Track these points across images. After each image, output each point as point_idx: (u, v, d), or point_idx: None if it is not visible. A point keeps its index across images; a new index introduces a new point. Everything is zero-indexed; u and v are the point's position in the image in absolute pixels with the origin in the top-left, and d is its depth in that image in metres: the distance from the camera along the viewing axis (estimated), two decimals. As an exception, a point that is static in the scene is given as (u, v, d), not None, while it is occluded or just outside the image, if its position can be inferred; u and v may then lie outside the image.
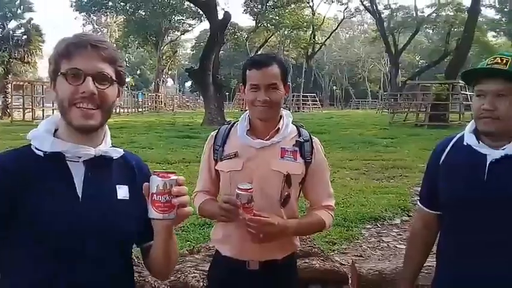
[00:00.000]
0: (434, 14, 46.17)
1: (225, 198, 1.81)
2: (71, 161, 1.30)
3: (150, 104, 42.54)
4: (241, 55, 53.70)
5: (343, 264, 3.64)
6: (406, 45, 43.65)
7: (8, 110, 25.85)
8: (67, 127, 1.30)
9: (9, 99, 26.39)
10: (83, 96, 1.25)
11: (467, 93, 19.19)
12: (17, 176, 1.25)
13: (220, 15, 21.78)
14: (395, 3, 50.27)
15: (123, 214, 1.32)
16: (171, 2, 45.02)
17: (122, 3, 44.74)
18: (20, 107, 25.31)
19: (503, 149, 1.60)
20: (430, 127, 19.15)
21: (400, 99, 31.89)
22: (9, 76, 27.94)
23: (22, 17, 32.46)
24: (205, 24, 52.27)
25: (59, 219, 1.24)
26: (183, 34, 57.18)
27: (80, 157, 1.31)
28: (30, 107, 24.31)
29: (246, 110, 2.05)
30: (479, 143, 1.66)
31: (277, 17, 45.60)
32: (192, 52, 73.73)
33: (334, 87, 75.05)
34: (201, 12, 31.86)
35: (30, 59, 29.09)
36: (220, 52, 25.28)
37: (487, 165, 1.61)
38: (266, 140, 1.93)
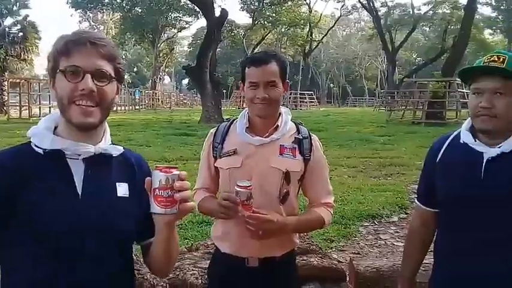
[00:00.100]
0: (431, 12, 46.20)
1: (224, 195, 1.82)
2: (70, 158, 1.30)
3: (147, 101, 42.40)
4: (238, 52, 53.67)
5: (341, 262, 3.66)
6: (403, 42, 43.64)
7: (5, 108, 25.72)
8: (67, 125, 1.30)
9: (6, 97, 26.27)
10: (82, 93, 1.24)
11: (464, 90, 19.21)
12: (16, 174, 1.25)
13: (217, 13, 21.72)
14: (392, 1, 50.10)
15: (123, 212, 1.32)
16: (168, -1, 44.92)
17: (118, 0, 44.61)
18: (17, 104, 25.19)
19: (499, 147, 1.61)
20: (427, 125, 19.19)
21: (397, 96, 31.94)
22: (6, 73, 27.78)
23: (18, 13, 32.31)
24: (202, 22, 52.33)
25: (59, 218, 1.23)
26: (180, 31, 57.09)
27: (79, 155, 1.30)
28: (27, 104, 24.20)
29: (244, 108, 2.05)
30: (475, 141, 1.66)
31: (274, 14, 45.53)
32: (189, 49, 73.58)
33: (331, 84, 75.09)
34: (198, 10, 31.78)
35: (26, 56, 28.92)
36: (217, 49, 25.29)
37: (484, 163, 1.62)
38: (265, 137, 1.93)
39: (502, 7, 53.74)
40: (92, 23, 61.76)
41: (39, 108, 25.08)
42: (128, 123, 19.44)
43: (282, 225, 1.85)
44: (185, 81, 79.71)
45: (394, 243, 4.74)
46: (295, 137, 1.97)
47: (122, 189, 1.35)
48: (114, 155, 1.37)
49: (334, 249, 4.48)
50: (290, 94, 38.88)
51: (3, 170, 1.25)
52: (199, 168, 2.10)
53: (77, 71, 1.24)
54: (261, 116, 1.93)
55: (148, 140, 13.17)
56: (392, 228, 5.27)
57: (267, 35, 50.85)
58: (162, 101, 45.71)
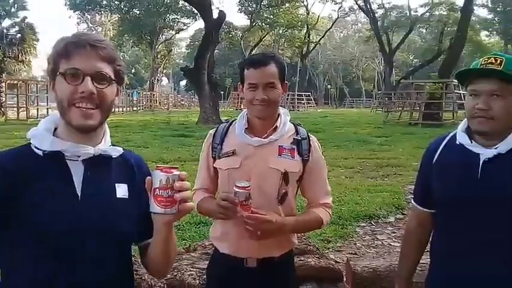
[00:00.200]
0: (427, 14, 46.33)
1: (223, 196, 1.83)
2: (70, 159, 1.30)
3: (144, 102, 42.32)
4: (236, 54, 53.65)
5: (338, 262, 3.67)
6: (399, 44, 43.74)
7: (2, 109, 25.67)
8: (66, 126, 1.31)
9: (4, 98, 26.22)
10: (82, 96, 1.25)
11: (460, 92, 19.25)
12: (16, 175, 1.25)
13: (215, 14, 21.71)
14: (389, 3, 50.47)
15: (122, 213, 1.33)
16: (166, 1, 44.88)
17: (116, 2, 44.58)
18: (14, 106, 25.16)
19: (495, 148, 1.62)
20: (423, 126, 19.21)
21: (394, 98, 31.95)
22: (3, 75, 27.71)
23: (16, 15, 32.28)
24: (200, 23, 52.29)
25: (59, 219, 1.24)
26: (178, 33, 57.01)
27: (79, 156, 1.31)
28: (25, 106, 24.15)
29: (241, 109, 2.07)
30: (471, 142, 1.67)
31: (271, 16, 45.54)
32: (187, 51, 73.52)
33: (329, 86, 75.09)
34: (196, 11, 31.75)
35: (24, 58, 28.88)
36: (215, 51, 25.25)
37: (480, 164, 1.63)
38: (264, 138, 1.94)
39: (498, 9, 53.90)
40: (90, 25, 61.74)
41: (37, 109, 25.01)
42: (125, 124, 19.39)
43: (280, 225, 1.86)
44: (183, 82, 79.68)
45: (391, 243, 4.75)
46: (293, 138, 1.98)
47: (121, 191, 1.36)
48: (113, 156, 1.38)
49: (331, 249, 4.49)
50: (288, 95, 38.81)
51: (3, 172, 1.25)
52: (199, 169, 2.11)
53: (76, 74, 1.25)
54: (260, 117, 1.94)
55: (146, 141, 13.15)
56: (389, 228, 5.29)
57: (264, 36, 50.85)
58: (159, 102, 45.64)
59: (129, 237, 1.39)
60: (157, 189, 1.22)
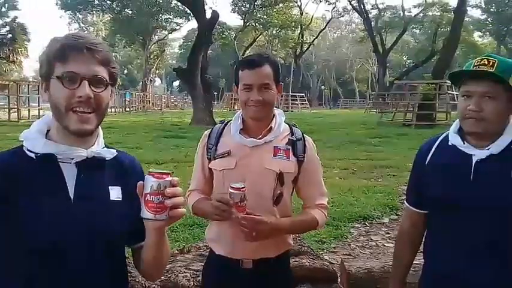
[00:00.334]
0: (421, 14, 46.71)
1: (218, 197, 1.82)
2: (63, 162, 1.29)
3: (137, 103, 42.23)
4: (229, 54, 53.64)
5: (333, 263, 3.67)
6: (393, 45, 44.01)
7: (-7, 110, 25.56)
8: (60, 129, 1.30)
9: (-5, 99, 26.11)
10: (80, 100, 1.24)
11: (454, 92, 19.37)
12: (9, 177, 1.24)
13: (208, 15, 21.71)
14: (382, 3, 50.68)
15: (116, 216, 1.32)
16: (158, 0, 44.84)
17: (108, 2, 44.48)
18: (6, 107, 25.01)
19: (488, 149, 1.62)
20: (417, 127, 19.31)
21: (388, 98, 32.14)
22: (-6, 75, 27.57)
23: (7, 15, 32.17)
24: (193, 23, 52.30)
25: (51, 222, 1.23)
26: (171, 33, 57.02)
27: (72, 158, 1.30)
28: (16, 107, 24.02)
29: (235, 110, 2.06)
30: (464, 143, 1.67)
31: (265, 16, 45.64)
32: (180, 51, 73.55)
33: (323, 86, 75.34)
34: (189, 12, 31.74)
35: (15, 58, 28.76)
36: (209, 51, 25.23)
37: (473, 165, 1.63)
38: (259, 138, 1.94)
39: (491, 10, 54.42)
40: (82, 25, 61.56)
41: (28, 110, 24.90)
42: (118, 125, 19.33)
43: (275, 226, 1.86)
44: (176, 83, 79.71)
45: (385, 244, 4.76)
46: (288, 139, 1.97)
47: (115, 193, 1.35)
48: (107, 159, 1.37)
49: (325, 250, 4.50)
50: (282, 96, 38.80)
51: None
52: (193, 170, 2.11)
53: (74, 78, 1.23)
54: (255, 118, 1.94)
55: (139, 143, 13.11)
56: (383, 229, 5.30)
57: (258, 37, 50.96)
58: (152, 103, 45.60)
59: (122, 239, 1.37)
60: (148, 195, 1.20)
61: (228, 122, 2.05)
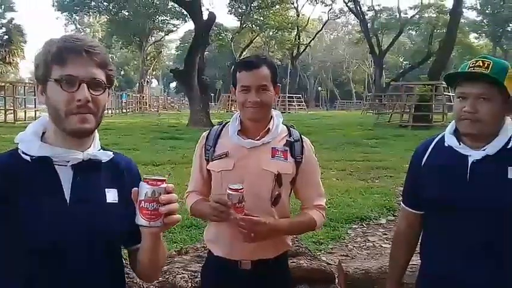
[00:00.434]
0: (417, 16, 46.81)
1: (216, 198, 1.83)
2: (58, 165, 1.29)
3: (134, 104, 42.11)
4: (226, 56, 53.66)
5: (330, 264, 3.67)
6: (389, 46, 44.04)
7: (-10, 112, 25.41)
8: (57, 131, 1.29)
9: (-9, 101, 25.95)
10: (79, 104, 1.24)
11: (450, 94, 19.41)
12: (8, 178, 1.24)
13: (205, 16, 21.72)
14: (378, 5, 51.03)
15: (112, 218, 1.31)
16: (155, 2, 44.77)
17: (104, 3, 44.35)
18: (2, 108, 24.87)
19: (483, 150, 1.63)
20: (414, 128, 19.34)
21: (384, 100, 32.17)
22: (-9, 77, 27.45)
23: (3, 16, 32.06)
24: (190, 25, 52.22)
25: (47, 225, 1.23)
26: (168, 34, 57.03)
27: (68, 161, 1.29)
28: (12, 108, 23.93)
29: (232, 111, 2.07)
30: (460, 144, 1.68)
31: (261, 18, 45.60)
32: (176, 53, 73.52)
33: (319, 88, 75.39)
34: (186, 13, 31.70)
35: (11, 60, 28.65)
36: (205, 53, 25.22)
37: (469, 165, 1.64)
38: (257, 140, 1.94)
39: (487, 11, 54.61)
40: (78, 26, 61.45)
41: (25, 112, 24.80)
42: (115, 126, 19.28)
43: (273, 227, 1.86)
44: (173, 84, 79.62)
45: (382, 245, 4.77)
46: (286, 140, 1.98)
47: (111, 195, 1.35)
48: (103, 161, 1.36)
49: (323, 251, 4.50)
50: (278, 97, 38.83)
51: None
52: (192, 171, 2.11)
53: (72, 81, 1.23)
54: (252, 120, 1.94)
55: (136, 144, 13.07)
56: (380, 230, 5.31)
57: (254, 38, 50.94)
58: (149, 105, 45.51)
59: (119, 242, 1.38)
60: (142, 202, 1.20)
61: (226, 123, 2.06)
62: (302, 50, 54.05)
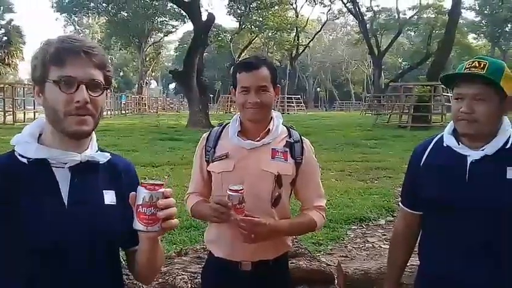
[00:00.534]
0: (415, 16, 46.85)
1: (216, 199, 1.84)
2: (56, 167, 1.28)
3: (133, 106, 42.08)
4: (225, 57, 53.63)
5: (330, 265, 3.67)
6: (388, 47, 44.05)
7: (-11, 113, 25.38)
8: (54, 132, 1.29)
9: (-10, 102, 25.92)
10: (78, 106, 1.23)
11: (448, 94, 19.40)
12: (9, 178, 1.24)
13: (204, 17, 21.70)
14: (377, 6, 50.72)
15: (110, 220, 1.31)
16: (154, 3, 44.76)
17: (103, 4, 44.31)
18: (1, 110, 24.85)
19: (482, 150, 1.64)
20: (412, 128, 19.35)
21: (383, 100, 32.18)
22: (-10, 78, 27.41)
23: (2, 17, 32.04)
24: (189, 26, 52.24)
25: (45, 228, 1.22)
26: (167, 35, 57.02)
27: (65, 163, 1.29)
28: (11, 109, 23.92)
29: (231, 112, 2.08)
30: (459, 144, 1.69)
31: (260, 19, 45.59)
32: (175, 54, 73.52)
33: (318, 88, 75.45)
34: (185, 14, 31.71)
35: (10, 61, 28.61)
36: (204, 54, 25.24)
37: (468, 165, 1.65)
38: (257, 141, 1.95)
39: (485, 12, 54.68)
40: (77, 27, 61.42)
41: (24, 113, 24.79)
42: (114, 128, 19.27)
43: (274, 228, 1.87)
44: (172, 85, 79.63)
45: (382, 245, 4.76)
46: (286, 141, 1.99)
47: (109, 197, 1.34)
48: (100, 162, 1.36)
49: (322, 252, 4.50)
50: (278, 98, 38.85)
51: None
52: (192, 173, 2.11)
53: (71, 82, 1.22)
54: (252, 121, 1.95)
55: (135, 145, 13.06)
56: (379, 231, 5.31)
57: (254, 39, 50.93)
58: (148, 106, 45.45)
59: (117, 243, 1.38)
60: (140, 207, 1.19)
61: (226, 124, 2.06)
62: (301, 50, 54.05)
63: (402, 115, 22.99)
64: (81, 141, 1.31)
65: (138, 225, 1.20)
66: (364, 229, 5.38)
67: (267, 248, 1.93)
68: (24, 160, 1.27)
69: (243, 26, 46.09)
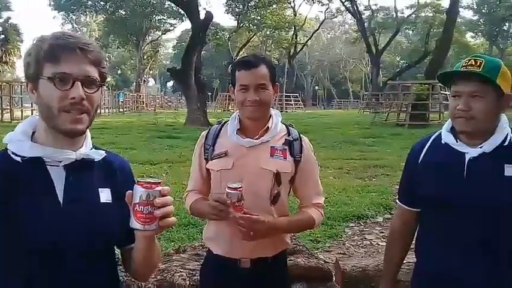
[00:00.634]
0: (413, 15, 46.92)
1: (215, 197, 1.84)
2: (50, 165, 1.26)
3: (131, 104, 42.04)
4: (223, 55, 53.59)
5: (328, 262, 3.68)
6: (386, 45, 44.13)
7: (-14, 111, 25.33)
8: (48, 130, 1.27)
9: (-13, 100, 25.87)
10: (73, 102, 1.21)
11: (446, 93, 19.41)
12: (9, 178, 1.22)
13: (202, 15, 21.66)
14: (375, 4, 51.04)
15: (107, 218, 1.30)
16: (152, 1, 44.72)
17: (101, 3, 44.29)
18: (-2, 107, 24.84)
19: (480, 147, 1.65)
20: (410, 126, 19.35)
21: (381, 99, 32.21)
22: (-13, 76, 27.33)
23: (0, 16, 31.91)
24: (187, 24, 52.14)
25: (41, 228, 1.21)
26: (164, 34, 56.93)
27: (60, 161, 1.27)
28: (9, 107, 23.86)
29: (229, 110, 2.08)
30: (457, 141, 1.70)
31: (258, 17, 45.61)
32: (173, 52, 73.41)
33: (317, 87, 75.45)
34: (183, 12, 31.64)
35: (8, 59, 28.52)
36: (202, 52, 25.18)
37: (466, 162, 1.66)
38: (256, 139, 1.95)
39: (483, 10, 54.75)
40: (75, 25, 61.28)
41: (21, 111, 24.73)
42: (112, 126, 19.24)
43: (273, 225, 1.87)
44: (170, 83, 79.53)
45: (379, 243, 4.77)
46: (285, 139, 1.99)
47: (105, 195, 1.33)
48: (95, 160, 1.34)
49: (320, 249, 4.51)
50: (276, 96, 38.86)
51: None
52: (191, 171, 2.12)
53: (66, 78, 1.20)
54: (251, 119, 1.95)
55: (133, 143, 13.03)
56: (377, 228, 5.32)
57: (252, 37, 50.92)
58: (146, 104, 45.43)
59: (113, 242, 1.37)
60: (137, 205, 1.17)
61: (225, 122, 2.06)
62: (299, 49, 54.00)
63: (400, 113, 22.99)
64: (76, 139, 1.30)
65: (135, 224, 1.18)
66: (362, 226, 5.39)
67: (266, 246, 1.94)
68: (18, 159, 1.25)
69: (241, 25, 46.08)
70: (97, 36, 56.99)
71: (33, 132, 1.30)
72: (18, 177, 1.23)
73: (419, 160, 1.80)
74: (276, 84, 1.99)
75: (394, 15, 47.91)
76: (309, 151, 2.04)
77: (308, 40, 56.77)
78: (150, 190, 1.17)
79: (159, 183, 1.19)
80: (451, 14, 22.91)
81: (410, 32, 58.44)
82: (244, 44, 49.85)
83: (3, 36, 28.70)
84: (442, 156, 1.73)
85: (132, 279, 2.64)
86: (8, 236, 1.20)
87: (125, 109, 38.85)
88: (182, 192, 2.14)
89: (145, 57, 55.06)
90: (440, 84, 19.78)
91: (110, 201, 1.33)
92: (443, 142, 1.75)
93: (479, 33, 59.52)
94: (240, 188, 1.75)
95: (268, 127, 1.97)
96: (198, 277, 2.34)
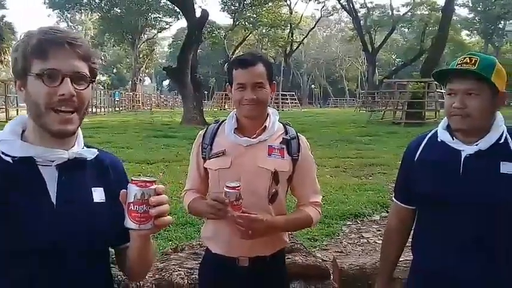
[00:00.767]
0: (409, 13, 46.98)
1: (213, 196, 1.84)
2: (42, 165, 1.24)
3: (127, 103, 41.88)
4: (219, 53, 53.47)
5: (325, 260, 3.70)
6: (382, 43, 44.15)
7: (-19, 110, 25.20)
8: (37, 129, 1.24)
9: (-18, 99, 25.78)
10: (62, 98, 1.18)
11: (442, 91, 19.43)
12: (9, 178, 1.20)
13: (198, 13, 21.61)
14: (371, 2, 51.08)
15: (100, 218, 1.28)
16: (147, -1, 44.63)
17: (96, 1, 44.15)
18: (-6, 106, 24.73)
19: (476, 145, 1.66)
20: (406, 125, 19.38)
21: (377, 97, 32.23)
22: (-18, 75, 27.19)
23: (-6, 14, 31.74)
24: (183, 22, 52.02)
25: (34, 229, 1.19)
26: (160, 32, 56.77)
27: (52, 161, 1.24)
28: (4, 106, 23.75)
29: (226, 109, 2.08)
30: (453, 139, 1.71)
31: (254, 15, 45.52)
32: (169, 50, 73.22)
33: (313, 85, 75.42)
34: (178, 10, 31.59)
35: (3, 58, 28.36)
36: (198, 50, 25.14)
37: (462, 160, 1.67)
38: (253, 138, 1.95)
39: (478, 8, 54.90)
40: (70, 24, 60.97)
41: (17, 110, 24.60)
42: (107, 125, 19.18)
43: (271, 224, 1.88)
44: (166, 82, 79.33)
45: (377, 241, 4.79)
46: (283, 138, 2.00)
47: (98, 195, 1.31)
48: (88, 159, 1.32)
49: (318, 248, 4.52)
50: (273, 95, 38.85)
51: None
52: (189, 170, 2.12)
53: (54, 74, 1.17)
54: (249, 117, 1.95)
55: (129, 142, 12.98)
56: (374, 226, 5.34)
57: (248, 36, 50.81)
58: (142, 103, 45.28)
59: (108, 242, 1.36)
60: (131, 204, 1.15)
61: (222, 121, 2.06)
62: (295, 47, 54.02)
63: (396, 111, 23.02)
64: (68, 138, 1.27)
65: (129, 223, 1.16)
66: (359, 225, 5.41)
67: (264, 244, 1.94)
68: (8, 159, 1.22)
69: (237, 23, 45.98)
70: (92, 34, 56.76)
71: (24, 132, 1.28)
72: (10, 177, 1.20)
73: (416, 158, 1.81)
74: (273, 83, 1.99)
75: (390, 13, 47.93)
76: (307, 150, 2.05)
77: (304, 38, 56.73)
78: (144, 189, 1.15)
79: (154, 181, 1.17)
80: (447, 12, 22.95)
81: (406, 30, 58.48)
82: (240, 42, 49.76)
83: (-3, 34, 28.62)
84: (438, 154, 1.74)
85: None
86: (8, 236, 1.19)
87: (120, 108, 38.73)
88: (179, 191, 2.15)
89: (141, 55, 54.87)
90: (436, 82, 19.95)
91: (104, 201, 1.31)
92: (439, 140, 1.75)
93: (475, 31, 59.67)
94: (238, 187, 1.75)
95: (265, 126, 1.97)
96: (197, 276, 2.34)
